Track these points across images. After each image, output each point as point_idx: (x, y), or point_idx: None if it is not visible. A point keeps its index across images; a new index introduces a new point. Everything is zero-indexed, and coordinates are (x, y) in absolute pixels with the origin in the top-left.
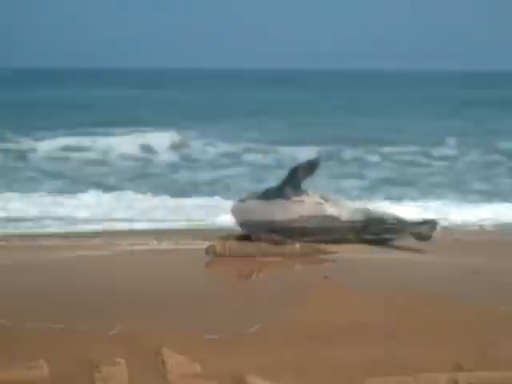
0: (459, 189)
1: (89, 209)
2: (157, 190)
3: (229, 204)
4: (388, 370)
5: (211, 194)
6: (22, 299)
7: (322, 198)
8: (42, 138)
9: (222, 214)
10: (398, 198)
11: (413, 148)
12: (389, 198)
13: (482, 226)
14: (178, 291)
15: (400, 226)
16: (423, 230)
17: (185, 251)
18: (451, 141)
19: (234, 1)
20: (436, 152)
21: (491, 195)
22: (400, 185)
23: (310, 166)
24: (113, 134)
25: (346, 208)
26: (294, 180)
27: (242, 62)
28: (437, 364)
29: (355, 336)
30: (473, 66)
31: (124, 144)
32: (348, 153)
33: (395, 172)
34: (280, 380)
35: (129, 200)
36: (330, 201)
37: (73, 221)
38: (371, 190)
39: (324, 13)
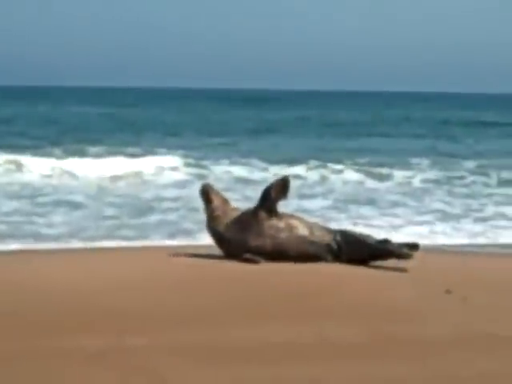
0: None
1: None
2: None
3: None
4: None
5: None
6: None
7: (296, 219)
8: None
9: None
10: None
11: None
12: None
13: None
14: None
15: (380, 247)
16: (403, 251)
17: None
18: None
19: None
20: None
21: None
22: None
23: (282, 187)
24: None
25: (319, 229)
26: (268, 202)
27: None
28: None
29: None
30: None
31: None
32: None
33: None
34: None
35: None
36: (303, 223)
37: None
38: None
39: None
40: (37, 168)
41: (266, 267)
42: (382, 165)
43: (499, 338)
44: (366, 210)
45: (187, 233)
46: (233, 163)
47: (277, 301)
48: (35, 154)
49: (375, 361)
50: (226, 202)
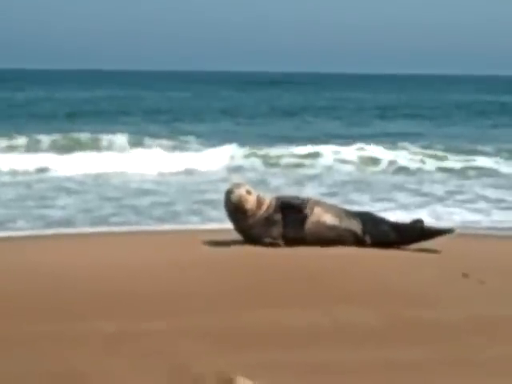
0: None
1: None
2: None
3: None
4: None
5: None
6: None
7: (323, 207)
8: None
9: None
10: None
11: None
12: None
13: None
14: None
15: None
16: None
17: None
18: None
19: None
20: None
21: None
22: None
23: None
24: None
25: (344, 216)
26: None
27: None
28: None
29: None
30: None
31: None
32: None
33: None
34: None
35: None
36: (329, 211)
37: None
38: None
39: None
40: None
41: (281, 251)
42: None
43: None
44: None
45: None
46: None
47: (292, 285)
48: None
49: (390, 345)
50: (258, 202)
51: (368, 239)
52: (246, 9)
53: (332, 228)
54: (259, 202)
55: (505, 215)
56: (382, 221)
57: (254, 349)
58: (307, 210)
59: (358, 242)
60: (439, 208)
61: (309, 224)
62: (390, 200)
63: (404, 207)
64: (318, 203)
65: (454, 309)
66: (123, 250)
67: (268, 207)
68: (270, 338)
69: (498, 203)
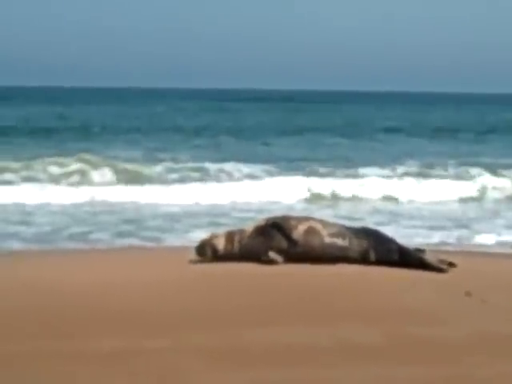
0: None
1: None
2: None
3: None
4: None
5: None
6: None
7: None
8: None
9: None
10: None
11: None
12: None
13: None
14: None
15: (416, 255)
16: (439, 266)
17: None
18: None
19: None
20: None
21: None
22: None
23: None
24: None
25: (347, 233)
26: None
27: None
28: None
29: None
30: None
31: None
32: None
33: None
34: None
35: None
36: (329, 228)
37: None
38: None
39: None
40: None
41: (282, 269)
42: None
43: None
44: None
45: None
46: None
47: (293, 303)
48: None
49: (393, 363)
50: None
51: (373, 256)
52: (257, 26)
53: (332, 245)
54: (229, 237)
55: None
56: (389, 240)
57: (254, 367)
58: (294, 229)
59: (362, 259)
60: None
61: (304, 240)
62: None
63: None
64: (315, 220)
65: (457, 327)
66: (120, 266)
67: (241, 235)
68: (271, 357)
69: None
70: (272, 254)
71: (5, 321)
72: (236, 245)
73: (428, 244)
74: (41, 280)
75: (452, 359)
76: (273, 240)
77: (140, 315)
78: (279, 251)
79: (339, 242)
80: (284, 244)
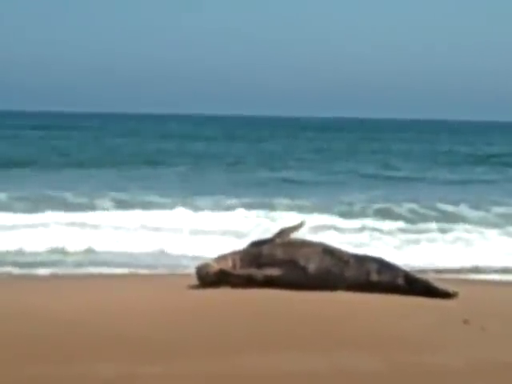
0: None
1: None
2: None
3: None
4: None
5: None
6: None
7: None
8: None
9: None
10: None
11: None
12: None
13: None
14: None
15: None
16: (447, 290)
17: None
18: None
19: None
20: None
21: None
22: None
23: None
24: None
25: (351, 259)
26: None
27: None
28: None
29: None
30: None
31: None
32: None
33: None
34: None
35: None
36: (328, 254)
37: None
38: None
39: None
40: None
41: (280, 294)
42: None
43: None
44: None
45: None
46: None
47: (291, 329)
48: None
49: None
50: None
51: (375, 277)
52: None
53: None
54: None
55: None
56: (394, 265)
57: None
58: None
59: (365, 281)
60: None
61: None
62: None
63: None
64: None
65: (456, 355)
66: (120, 292)
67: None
68: (269, 383)
69: None
70: (267, 271)
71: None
72: (233, 262)
73: None
74: (35, 306)
75: None
76: (260, 250)
77: (136, 341)
78: (266, 264)
79: (333, 259)
80: (271, 252)
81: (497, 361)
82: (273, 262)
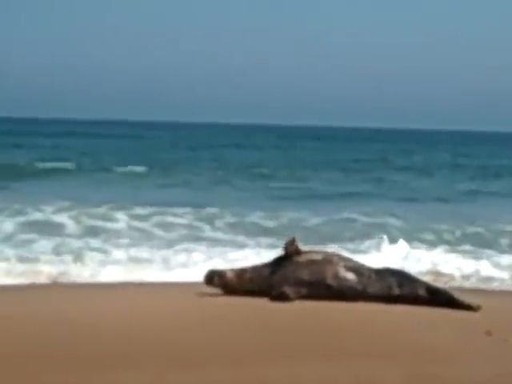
0: None
1: None
2: None
3: None
4: None
5: None
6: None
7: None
8: None
9: None
10: None
11: None
12: None
13: None
14: None
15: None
16: (468, 303)
17: None
18: None
19: None
20: None
21: None
22: None
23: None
24: None
25: (372, 274)
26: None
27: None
28: None
29: None
30: None
31: None
32: None
33: None
34: None
35: None
36: (348, 266)
37: None
38: None
39: None
40: None
41: (300, 305)
42: None
43: None
44: None
45: None
46: None
47: (311, 339)
48: None
49: None
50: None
51: (397, 291)
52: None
53: (347, 279)
54: (241, 270)
55: None
56: (415, 278)
57: None
58: (301, 258)
59: (386, 294)
60: None
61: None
62: None
63: None
64: (332, 253)
65: (478, 367)
66: (143, 299)
67: (253, 269)
68: None
69: None
70: (286, 289)
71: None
72: (247, 276)
73: None
74: (63, 312)
75: None
76: (284, 270)
77: (165, 347)
78: (290, 284)
79: (356, 275)
80: (295, 272)
81: None
82: (299, 282)
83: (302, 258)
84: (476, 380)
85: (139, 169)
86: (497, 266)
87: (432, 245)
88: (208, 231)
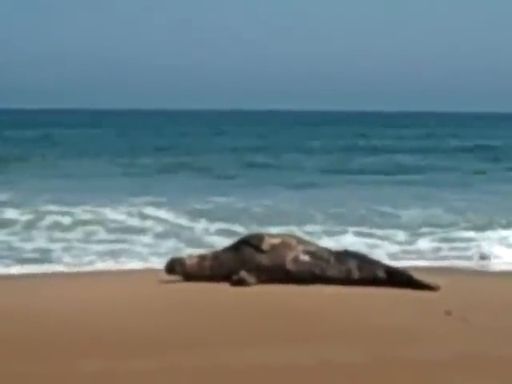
0: None
1: None
2: None
3: None
4: None
5: None
6: None
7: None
8: None
9: None
10: None
11: None
12: None
13: None
14: None
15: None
16: (429, 283)
17: None
18: None
19: None
20: None
21: None
22: None
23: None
24: None
25: (332, 257)
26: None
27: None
28: None
29: None
30: None
31: None
32: None
33: None
34: None
35: None
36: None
37: None
38: None
39: None
40: None
41: (262, 289)
42: None
43: (499, 359)
44: None
45: None
46: None
47: (274, 323)
48: None
49: (376, 383)
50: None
51: (356, 275)
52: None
53: (307, 262)
54: (201, 255)
55: None
56: (374, 260)
57: None
58: (264, 242)
59: (345, 278)
60: None
61: (274, 252)
62: None
63: None
64: (291, 236)
65: (438, 347)
66: (99, 288)
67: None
68: (253, 377)
69: None
70: (243, 274)
71: None
72: (207, 263)
73: None
74: (18, 304)
75: (435, 379)
76: (243, 254)
77: (124, 335)
78: (250, 269)
79: (315, 259)
80: (254, 258)
81: (479, 352)
82: (258, 267)
83: (261, 242)
84: (437, 360)
85: None
86: None
87: None
88: None
